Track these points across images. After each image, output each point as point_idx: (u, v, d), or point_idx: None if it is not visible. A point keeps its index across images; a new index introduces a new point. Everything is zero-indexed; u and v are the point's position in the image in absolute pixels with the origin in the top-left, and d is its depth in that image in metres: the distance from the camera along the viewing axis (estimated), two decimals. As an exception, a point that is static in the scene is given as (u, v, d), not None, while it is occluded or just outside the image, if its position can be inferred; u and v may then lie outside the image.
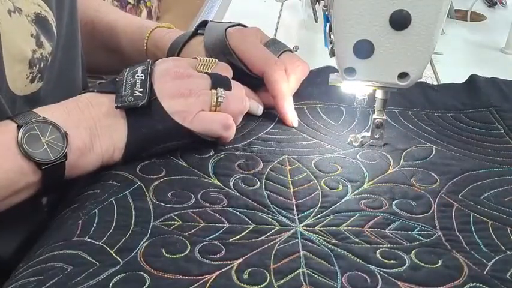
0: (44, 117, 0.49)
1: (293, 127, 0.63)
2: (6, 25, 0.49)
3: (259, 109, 0.64)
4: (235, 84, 0.59)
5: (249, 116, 0.63)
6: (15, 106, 0.52)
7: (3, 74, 0.49)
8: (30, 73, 0.52)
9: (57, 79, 0.58)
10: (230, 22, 0.68)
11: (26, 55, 0.51)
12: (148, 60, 0.57)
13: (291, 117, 0.63)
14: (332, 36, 0.55)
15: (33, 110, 0.50)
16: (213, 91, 0.56)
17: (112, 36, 0.73)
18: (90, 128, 0.51)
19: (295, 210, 0.50)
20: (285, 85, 0.62)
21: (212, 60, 0.60)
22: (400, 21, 0.50)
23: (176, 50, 0.67)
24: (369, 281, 0.42)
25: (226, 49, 0.64)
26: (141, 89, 0.53)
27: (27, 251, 0.47)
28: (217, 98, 0.56)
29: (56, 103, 0.53)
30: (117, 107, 0.52)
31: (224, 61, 0.63)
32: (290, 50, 0.67)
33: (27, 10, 0.52)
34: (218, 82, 0.57)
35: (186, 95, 0.55)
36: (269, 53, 0.64)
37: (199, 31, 0.68)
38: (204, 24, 0.69)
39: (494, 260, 0.45)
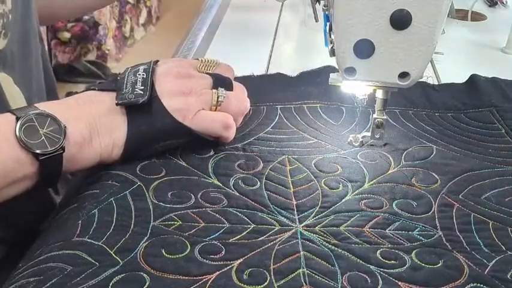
0: (43, 110, 0.49)
1: (293, 127, 0.63)
2: None
3: None
4: (236, 85, 0.59)
5: (249, 116, 0.63)
6: None
7: None
8: None
9: (20, 40, 0.59)
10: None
11: None
12: (151, 60, 0.57)
13: None
14: (332, 36, 0.55)
15: (33, 105, 0.50)
16: (214, 90, 0.56)
17: None
18: (90, 124, 0.52)
19: (295, 210, 0.50)
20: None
21: (214, 61, 0.60)
22: (400, 20, 0.50)
23: None
24: (369, 281, 0.42)
25: None
26: (142, 87, 0.53)
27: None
28: (217, 98, 0.56)
29: (57, 100, 0.53)
30: (117, 104, 0.53)
31: None
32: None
33: None
34: (219, 82, 0.57)
35: (187, 93, 0.55)
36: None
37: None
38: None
39: (494, 260, 0.44)
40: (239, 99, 0.59)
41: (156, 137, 0.54)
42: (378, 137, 0.59)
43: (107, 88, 0.55)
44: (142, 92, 0.53)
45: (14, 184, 0.48)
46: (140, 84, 0.53)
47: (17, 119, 0.48)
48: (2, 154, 0.47)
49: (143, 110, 0.53)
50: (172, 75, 0.56)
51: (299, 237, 0.46)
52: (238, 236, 0.46)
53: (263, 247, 0.45)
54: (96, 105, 0.53)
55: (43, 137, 0.48)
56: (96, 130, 0.52)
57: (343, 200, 0.51)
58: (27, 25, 0.62)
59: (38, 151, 0.47)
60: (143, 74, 0.54)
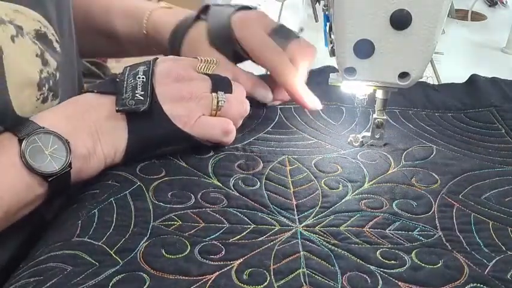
0: (44, 128, 0.48)
1: (293, 127, 0.63)
2: (10, 52, 0.47)
3: (268, 96, 0.64)
4: (236, 86, 0.59)
5: (249, 116, 0.63)
6: None
7: (8, 103, 0.48)
8: (40, 94, 0.51)
9: (73, 91, 0.58)
10: (234, 6, 0.66)
11: (33, 78, 0.49)
12: (149, 60, 0.57)
13: (311, 101, 0.62)
14: (332, 36, 0.55)
15: (32, 119, 0.49)
16: (214, 94, 0.56)
17: (107, 20, 0.71)
18: (92, 133, 0.51)
19: (295, 210, 0.50)
20: (294, 76, 0.61)
21: (213, 61, 0.59)
22: (400, 20, 0.50)
23: (178, 38, 0.66)
24: (369, 281, 0.42)
25: (231, 39, 0.63)
26: (142, 92, 0.52)
27: (28, 252, 0.47)
28: (217, 102, 0.55)
29: (53, 107, 0.52)
30: (117, 111, 0.52)
31: (230, 50, 0.62)
32: (297, 36, 0.65)
33: (28, 28, 0.50)
34: (219, 85, 0.57)
35: (187, 98, 0.54)
36: (272, 45, 0.62)
37: (202, 16, 0.67)
38: (206, 8, 0.67)
39: (494, 260, 0.44)
40: (239, 102, 0.58)
41: (157, 142, 0.54)
42: (377, 137, 0.59)
43: (106, 90, 0.54)
44: (142, 98, 0.52)
45: (25, 207, 0.48)
46: (140, 89, 0.53)
47: (19, 140, 0.46)
48: (11, 180, 0.46)
49: (144, 117, 0.52)
50: (172, 78, 0.55)
51: (299, 237, 0.46)
52: (238, 236, 0.46)
53: (263, 247, 0.45)
54: (96, 110, 0.52)
55: (49, 158, 0.47)
56: (98, 138, 0.51)
57: (343, 200, 0.51)
58: (75, 66, 0.60)
59: (46, 173, 0.47)
60: (143, 77, 0.54)
